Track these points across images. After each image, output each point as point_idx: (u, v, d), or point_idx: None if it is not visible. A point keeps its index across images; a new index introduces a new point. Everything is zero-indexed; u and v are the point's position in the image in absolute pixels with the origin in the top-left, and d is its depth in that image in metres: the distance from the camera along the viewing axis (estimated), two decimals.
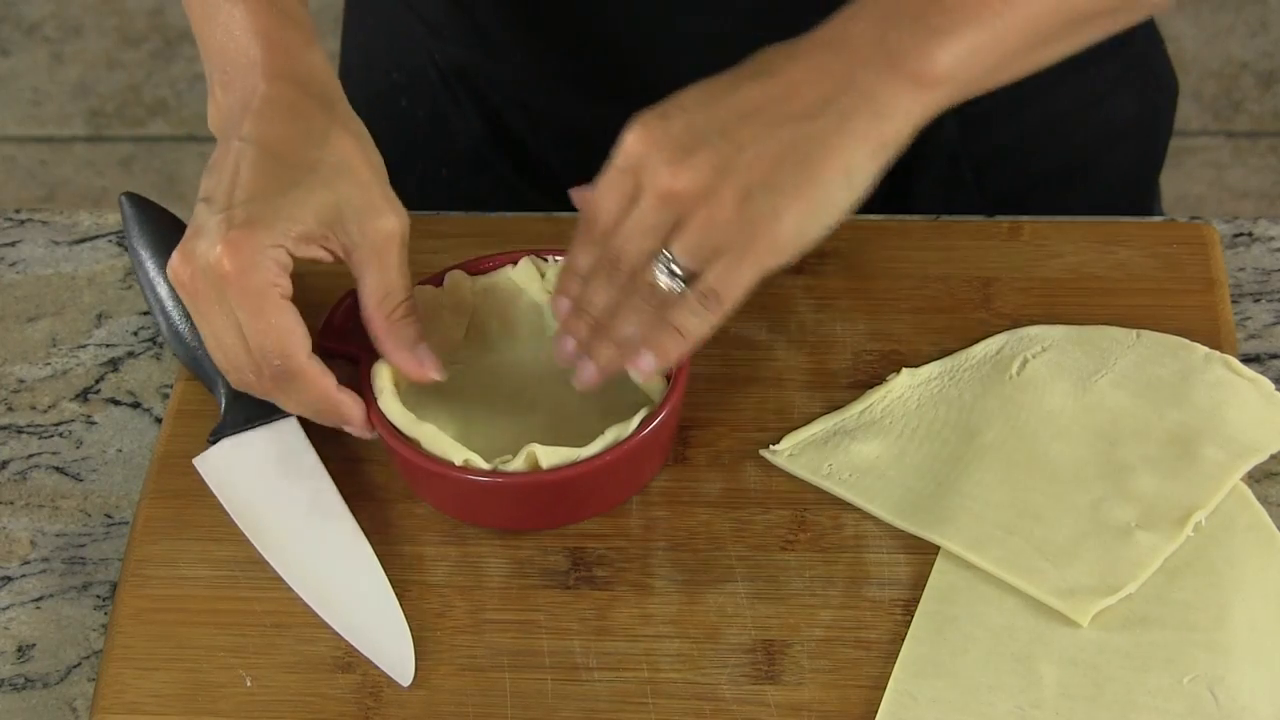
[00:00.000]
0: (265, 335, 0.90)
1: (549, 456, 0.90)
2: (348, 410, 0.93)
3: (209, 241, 0.89)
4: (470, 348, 0.98)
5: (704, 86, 0.90)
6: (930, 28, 0.88)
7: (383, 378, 0.93)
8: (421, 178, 1.21)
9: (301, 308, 0.99)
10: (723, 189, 0.87)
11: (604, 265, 0.91)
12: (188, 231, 0.91)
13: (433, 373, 0.93)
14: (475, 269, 0.99)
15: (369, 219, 0.91)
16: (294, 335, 0.90)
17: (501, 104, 1.17)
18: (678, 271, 0.89)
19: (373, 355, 0.94)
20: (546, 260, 0.99)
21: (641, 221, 0.89)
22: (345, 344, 0.96)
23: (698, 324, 0.89)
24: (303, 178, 0.91)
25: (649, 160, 0.89)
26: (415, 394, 0.95)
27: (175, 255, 0.90)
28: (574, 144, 1.16)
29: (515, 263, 0.99)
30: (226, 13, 0.94)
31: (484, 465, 0.91)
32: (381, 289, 0.92)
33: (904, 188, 1.03)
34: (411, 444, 0.92)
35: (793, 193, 0.88)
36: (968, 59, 0.89)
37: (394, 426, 0.92)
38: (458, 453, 0.91)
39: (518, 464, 0.91)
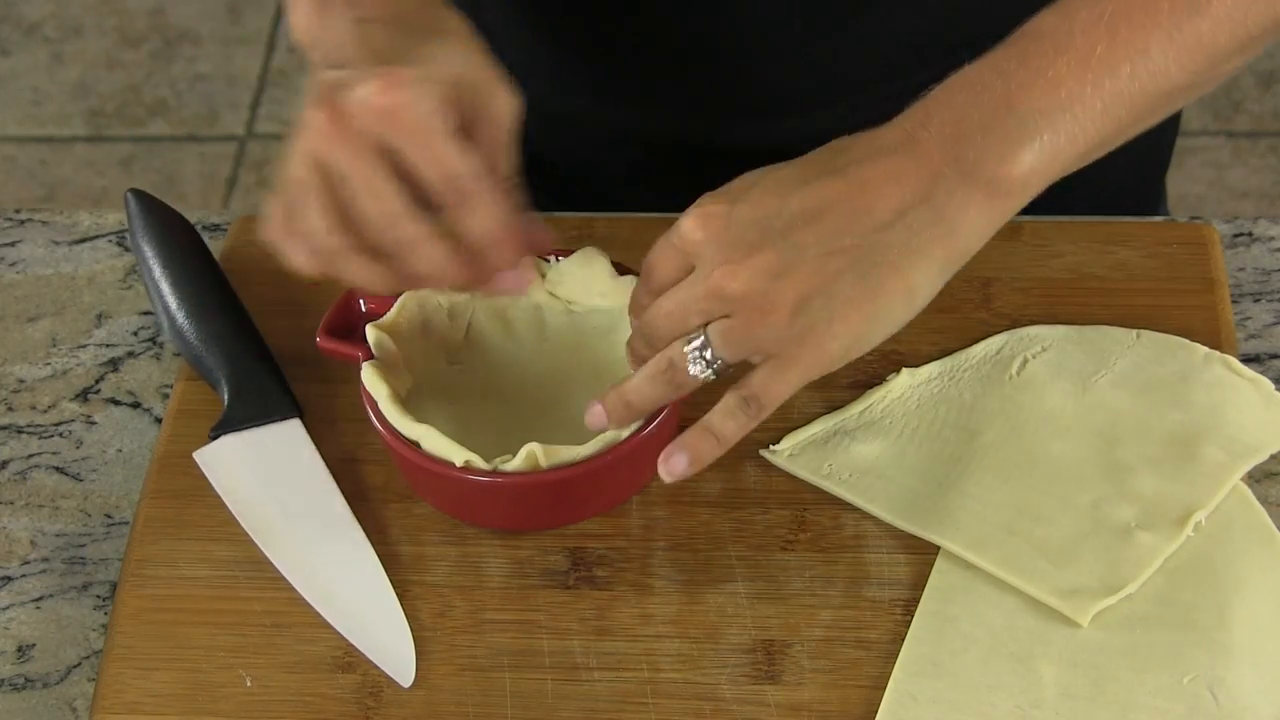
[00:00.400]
0: (442, 162, 0.86)
1: (549, 456, 0.90)
2: (517, 246, 0.88)
3: (360, 84, 0.85)
4: (470, 349, 0.98)
5: (772, 175, 0.88)
6: (1005, 137, 0.85)
7: (379, 380, 0.93)
8: None
9: (300, 307, 0.99)
10: (778, 295, 0.84)
11: (641, 330, 0.89)
12: (316, 93, 0.87)
13: (545, 243, 0.91)
14: None
15: (491, 94, 0.90)
16: (472, 159, 0.86)
17: None
18: (707, 358, 0.86)
19: (370, 356, 0.94)
20: (547, 261, 0.98)
21: (685, 305, 0.87)
22: (344, 344, 0.96)
23: (735, 428, 0.87)
24: (432, 40, 0.89)
25: (706, 250, 0.86)
26: (415, 394, 0.95)
27: (315, 110, 0.86)
28: (579, 146, 1.16)
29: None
30: None
31: (484, 465, 0.91)
32: (494, 166, 0.89)
33: None
34: (411, 445, 0.92)
35: (850, 306, 0.84)
36: (1048, 163, 0.86)
37: (394, 428, 0.92)
38: (458, 453, 0.91)
39: (517, 464, 0.91)
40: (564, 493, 0.92)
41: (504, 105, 0.90)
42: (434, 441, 0.91)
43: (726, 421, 0.87)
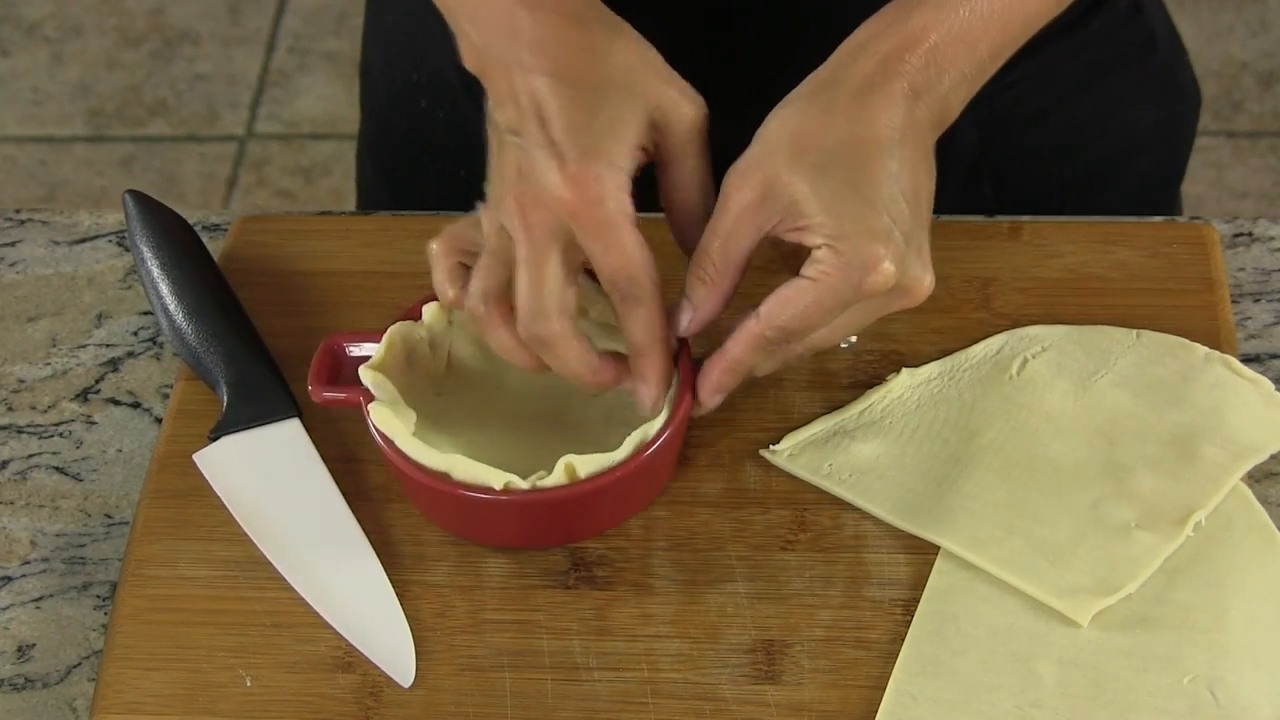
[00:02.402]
0: (622, 263, 0.89)
1: (586, 465, 0.90)
2: (663, 365, 0.92)
3: (548, 179, 0.88)
4: (453, 377, 0.97)
5: (814, 143, 0.91)
6: (965, 79, 0.92)
7: (394, 418, 0.92)
8: (440, 177, 1.21)
9: (299, 307, 0.99)
10: (906, 270, 0.90)
11: (773, 339, 0.92)
12: (503, 173, 0.90)
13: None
14: None
15: (673, 113, 0.92)
16: (649, 258, 0.89)
17: None
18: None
19: (370, 400, 0.93)
20: None
21: (857, 324, 0.93)
22: (342, 391, 0.94)
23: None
24: (608, 95, 0.91)
25: (893, 285, 0.90)
26: (418, 431, 0.93)
27: (508, 200, 0.89)
28: None
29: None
30: None
31: (523, 485, 0.90)
32: (695, 177, 0.93)
33: None
34: (440, 477, 0.91)
35: (927, 246, 0.93)
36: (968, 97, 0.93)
37: (419, 463, 0.91)
38: (496, 477, 0.90)
39: (556, 477, 0.90)
40: (606, 499, 0.92)
41: (691, 113, 0.93)
42: (466, 469, 0.90)
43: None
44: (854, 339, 0.98)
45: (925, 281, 0.91)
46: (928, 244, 0.92)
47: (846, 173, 0.90)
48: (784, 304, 0.90)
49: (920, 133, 0.91)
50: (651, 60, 0.93)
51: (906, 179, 0.90)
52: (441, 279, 0.93)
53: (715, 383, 0.92)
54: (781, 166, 0.90)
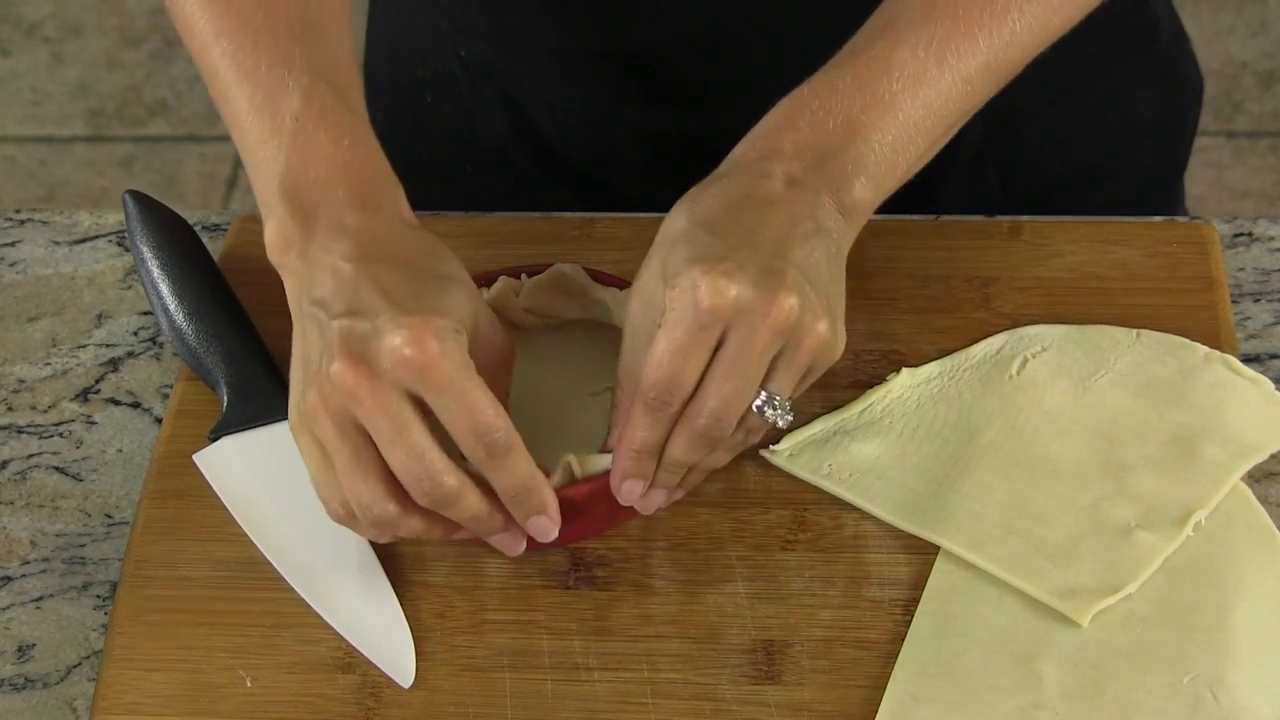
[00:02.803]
0: (475, 415, 0.83)
1: (586, 465, 0.89)
2: (546, 495, 0.87)
3: (389, 334, 0.82)
4: None
5: (698, 210, 0.90)
6: (857, 162, 0.90)
7: None
8: (444, 173, 1.21)
9: None
10: (812, 310, 0.86)
11: (699, 431, 0.87)
12: (337, 343, 0.83)
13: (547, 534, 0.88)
14: None
15: (490, 336, 0.89)
16: (500, 407, 0.84)
17: (525, 101, 1.17)
18: (783, 402, 0.88)
19: None
20: (519, 279, 0.98)
21: (744, 368, 0.86)
22: None
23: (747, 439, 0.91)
24: (442, 283, 0.87)
25: (744, 303, 0.85)
26: None
27: (337, 363, 0.82)
28: (597, 142, 1.16)
29: (489, 284, 0.98)
30: (295, 135, 0.90)
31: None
32: (486, 412, 0.86)
33: (929, 190, 1.03)
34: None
35: (840, 306, 0.89)
36: (887, 179, 0.91)
37: None
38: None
39: (556, 479, 0.90)
40: (606, 499, 0.91)
41: (506, 348, 0.91)
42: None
43: (761, 422, 0.89)
44: (788, 414, 0.88)
45: (819, 329, 0.86)
46: (841, 312, 0.89)
47: (735, 226, 0.88)
48: (646, 359, 0.86)
49: (831, 236, 0.90)
50: (478, 293, 0.90)
51: (811, 249, 0.88)
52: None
53: (626, 469, 0.88)
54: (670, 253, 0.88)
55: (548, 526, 0.87)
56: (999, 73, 0.93)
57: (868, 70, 0.91)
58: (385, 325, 0.83)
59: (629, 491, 0.88)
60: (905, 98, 0.90)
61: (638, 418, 0.87)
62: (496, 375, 0.89)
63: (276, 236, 0.89)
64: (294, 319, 0.88)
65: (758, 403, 0.87)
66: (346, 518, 0.86)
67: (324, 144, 0.90)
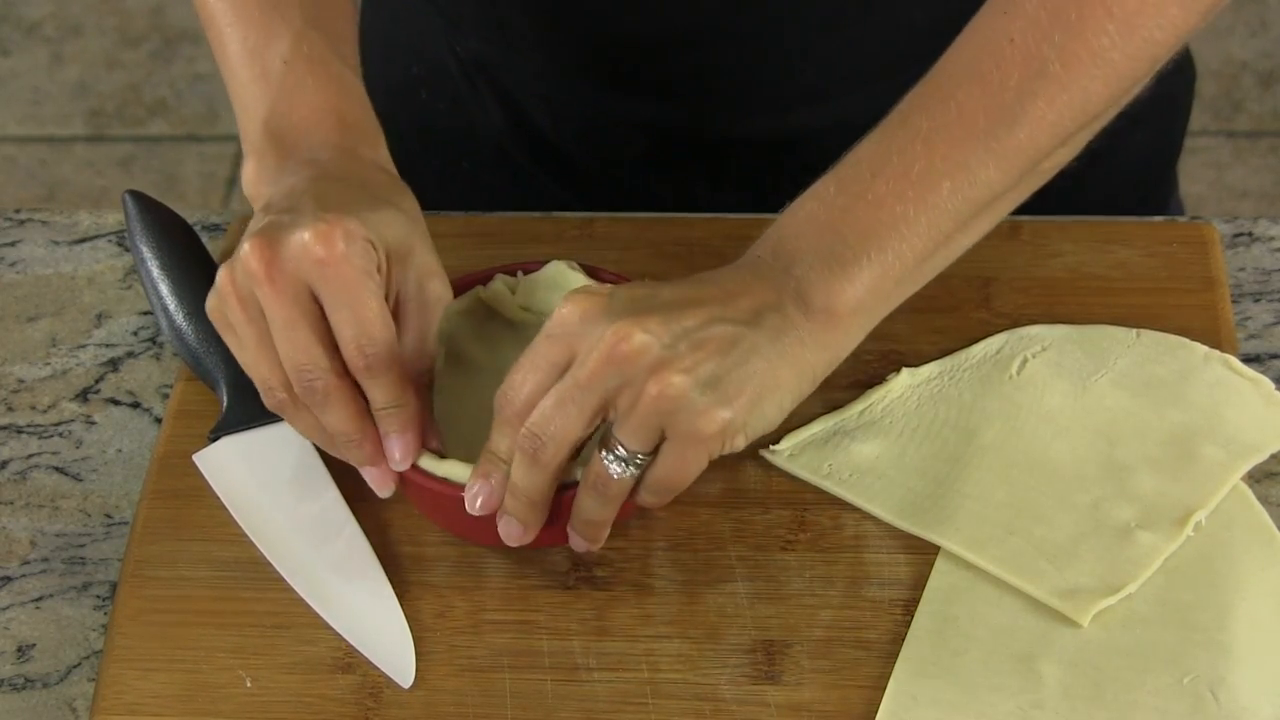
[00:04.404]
0: (362, 324, 0.86)
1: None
2: (413, 419, 0.88)
3: (301, 228, 0.85)
4: (452, 374, 0.97)
5: (640, 283, 0.88)
6: (836, 260, 0.87)
7: None
8: (441, 170, 1.21)
9: None
10: (669, 363, 0.83)
11: (525, 449, 0.85)
12: (253, 227, 0.87)
13: (389, 484, 0.90)
14: None
15: (429, 276, 0.90)
16: (389, 323, 0.87)
17: (522, 96, 1.17)
18: (624, 456, 0.85)
19: None
20: (516, 275, 0.98)
21: (574, 391, 0.84)
22: None
23: (649, 503, 0.88)
24: (382, 204, 0.89)
25: (591, 325, 0.84)
26: None
27: (248, 244, 0.85)
28: (594, 136, 1.16)
29: (486, 282, 0.98)
30: (283, 78, 0.93)
31: None
32: (418, 350, 0.89)
33: None
34: (443, 482, 0.90)
35: (736, 390, 0.84)
36: (877, 282, 0.88)
37: (422, 469, 0.91)
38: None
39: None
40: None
41: (439, 292, 0.90)
42: (466, 473, 0.89)
43: (644, 500, 0.87)
44: (627, 469, 0.85)
45: (672, 380, 0.82)
46: (750, 399, 0.85)
47: (668, 291, 0.87)
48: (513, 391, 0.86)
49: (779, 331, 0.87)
50: (427, 233, 0.91)
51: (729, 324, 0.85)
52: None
53: (477, 470, 0.87)
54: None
55: (406, 450, 0.88)
56: (1014, 160, 0.90)
57: (852, 172, 0.89)
58: (302, 220, 0.86)
59: (471, 496, 0.88)
60: (890, 195, 0.88)
61: (494, 425, 0.87)
62: (420, 316, 0.90)
63: (254, 172, 0.93)
64: None
65: (601, 451, 0.85)
66: (265, 393, 0.89)
67: (310, 89, 0.93)
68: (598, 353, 0.83)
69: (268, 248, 0.85)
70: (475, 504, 0.88)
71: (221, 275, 0.88)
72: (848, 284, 0.88)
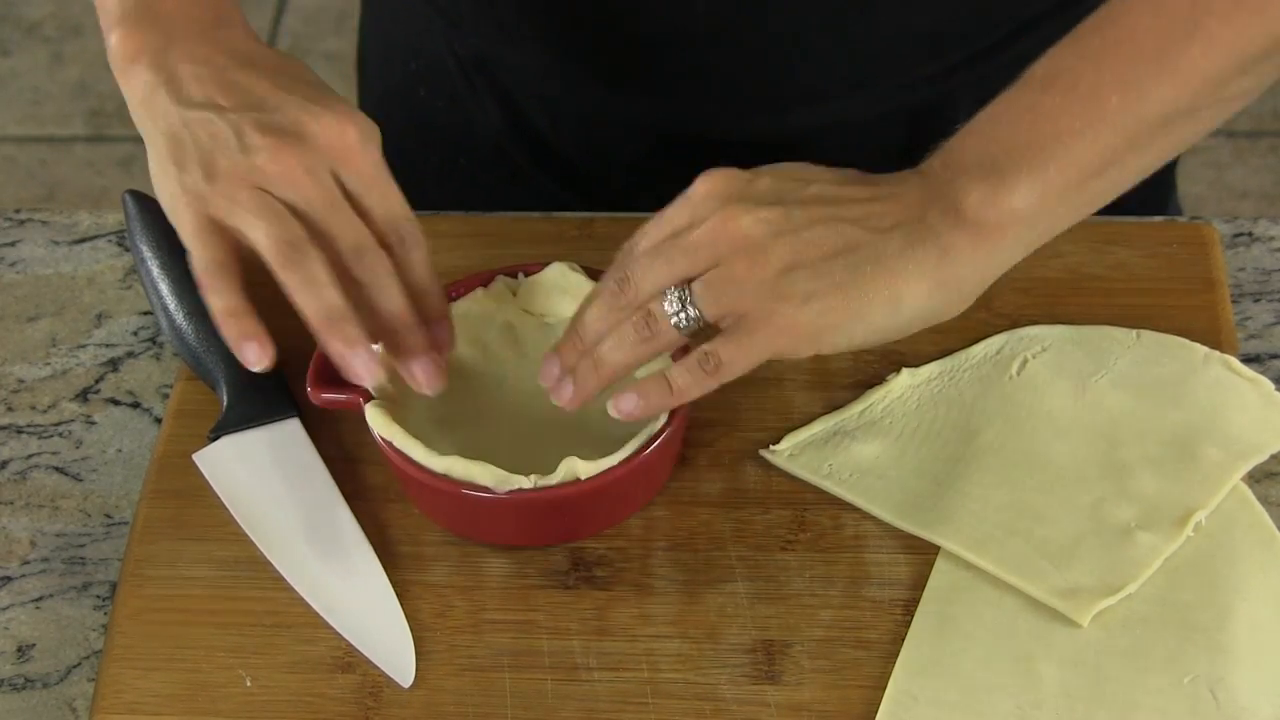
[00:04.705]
0: (391, 205, 0.89)
1: (589, 466, 0.90)
2: (442, 298, 0.92)
3: (310, 123, 0.88)
4: (452, 377, 0.97)
5: (797, 164, 0.90)
6: (995, 170, 0.87)
7: (389, 420, 0.92)
8: (439, 168, 1.22)
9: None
10: (771, 250, 0.86)
11: (613, 284, 0.88)
12: (237, 138, 0.88)
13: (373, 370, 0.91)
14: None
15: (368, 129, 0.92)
16: (407, 204, 0.90)
17: (520, 95, 1.17)
18: (687, 307, 0.87)
19: (369, 398, 0.93)
20: (517, 277, 0.98)
21: (673, 249, 0.87)
22: (340, 392, 0.94)
23: (689, 382, 0.87)
24: (328, 91, 0.92)
25: (712, 200, 0.88)
26: (412, 430, 0.93)
27: (268, 153, 0.87)
28: (592, 135, 1.16)
29: (487, 283, 0.98)
30: None
31: (528, 484, 0.90)
32: (403, 202, 0.92)
33: None
34: (442, 477, 0.90)
35: (834, 291, 0.86)
36: (1038, 196, 0.87)
37: (420, 464, 0.91)
38: (495, 476, 0.90)
39: (557, 478, 0.90)
40: (605, 498, 0.92)
41: (380, 142, 0.92)
42: (465, 468, 0.90)
43: (683, 375, 0.88)
44: (682, 316, 0.87)
45: (764, 262, 0.85)
46: (833, 300, 0.86)
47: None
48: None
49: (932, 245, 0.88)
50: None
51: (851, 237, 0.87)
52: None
53: (580, 374, 0.89)
54: None
55: (453, 335, 0.92)
56: (1188, 79, 0.89)
57: (1023, 88, 0.89)
58: (308, 116, 0.88)
59: (547, 373, 0.90)
60: (1057, 108, 0.88)
61: (596, 298, 0.90)
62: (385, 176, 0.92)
63: (125, 43, 0.93)
64: (148, 125, 0.91)
65: (671, 295, 0.87)
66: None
67: None
68: (705, 226, 0.87)
69: (287, 146, 0.87)
70: (553, 377, 0.90)
71: (224, 181, 0.88)
72: (1003, 194, 0.87)
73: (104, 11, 0.95)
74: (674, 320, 0.87)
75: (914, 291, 0.87)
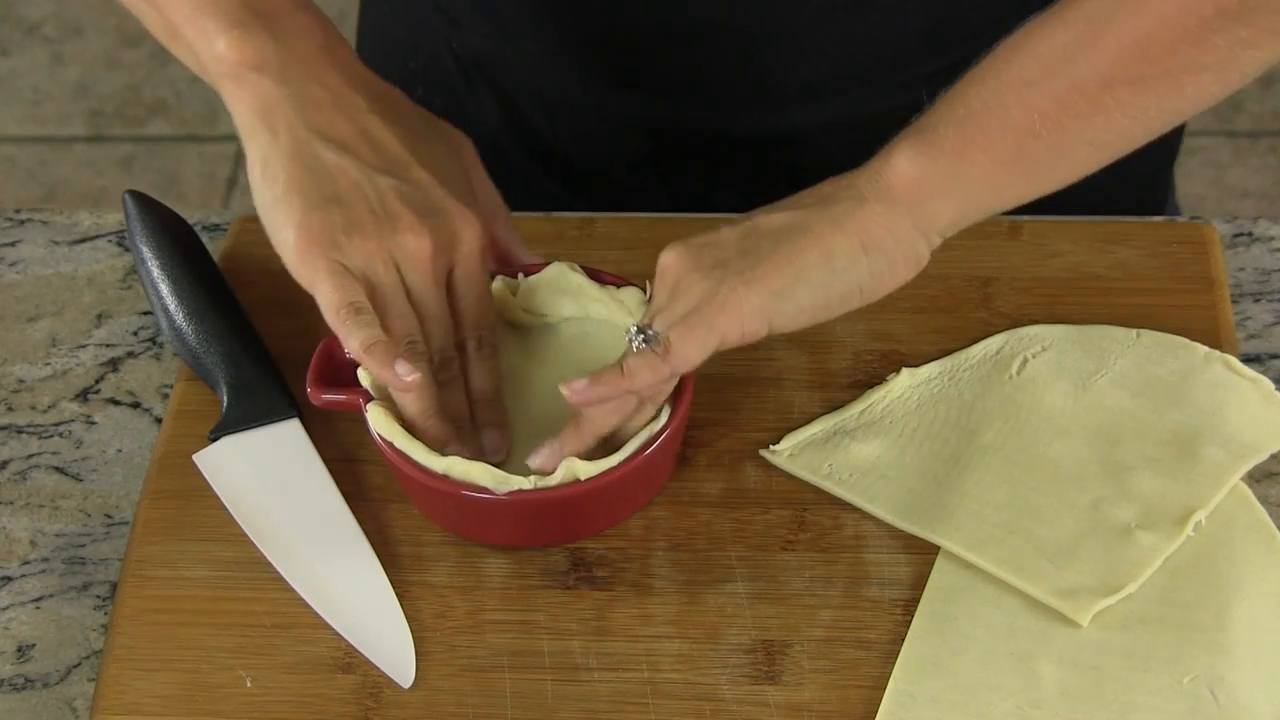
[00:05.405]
0: (483, 314, 0.95)
1: (588, 467, 0.90)
2: (500, 410, 0.95)
3: (449, 222, 0.93)
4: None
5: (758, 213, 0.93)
6: (920, 132, 0.90)
7: (389, 420, 0.92)
8: None
9: (298, 307, 0.99)
10: (702, 258, 0.90)
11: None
12: (380, 202, 0.92)
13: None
14: None
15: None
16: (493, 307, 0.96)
17: (518, 93, 1.17)
18: (648, 337, 0.89)
19: (369, 400, 0.93)
20: (517, 278, 0.98)
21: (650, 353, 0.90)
22: (341, 392, 0.94)
23: (639, 364, 0.88)
24: (452, 151, 0.97)
25: (672, 274, 0.91)
26: (412, 430, 0.93)
27: (414, 235, 0.92)
28: (591, 134, 1.16)
29: None
30: None
31: (527, 485, 0.90)
32: (492, 307, 0.97)
33: None
34: (441, 477, 0.91)
35: (768, 263, 0.89)
36: (958, 159, 0.89)
37: (419, 463, 0.91)
38: (494, 477, 0.90)
39: (557, 478, 0.90)
40: (605, 498, 0.92)
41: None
42: (465, 468, 0.90)
43: (635, 359, 0.89)
44: (644, 345, 0.89)
45: (706, 276, 0.89)
46: (764, 273, 0.88)
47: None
48: None
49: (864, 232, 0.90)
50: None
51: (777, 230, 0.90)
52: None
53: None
54: None
55: (499, 445, 0.94)
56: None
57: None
58: (448, 206, 0.93)
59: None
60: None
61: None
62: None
63: (239, 48, 0.94)
64: (260, 132, 0.93)
65: (636, 334, 0.90)
66: (365, 343, 0.90)
67: None
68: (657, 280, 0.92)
69: (428, 235, 0.92)
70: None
71: (367, 244, 0.91)
72: (927, 152, 0.89)
73: (200, 15, 0.95)
74: (635, 344, 0.89)
75: (844, 248, 0.89)
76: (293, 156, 0.92)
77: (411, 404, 0.91)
